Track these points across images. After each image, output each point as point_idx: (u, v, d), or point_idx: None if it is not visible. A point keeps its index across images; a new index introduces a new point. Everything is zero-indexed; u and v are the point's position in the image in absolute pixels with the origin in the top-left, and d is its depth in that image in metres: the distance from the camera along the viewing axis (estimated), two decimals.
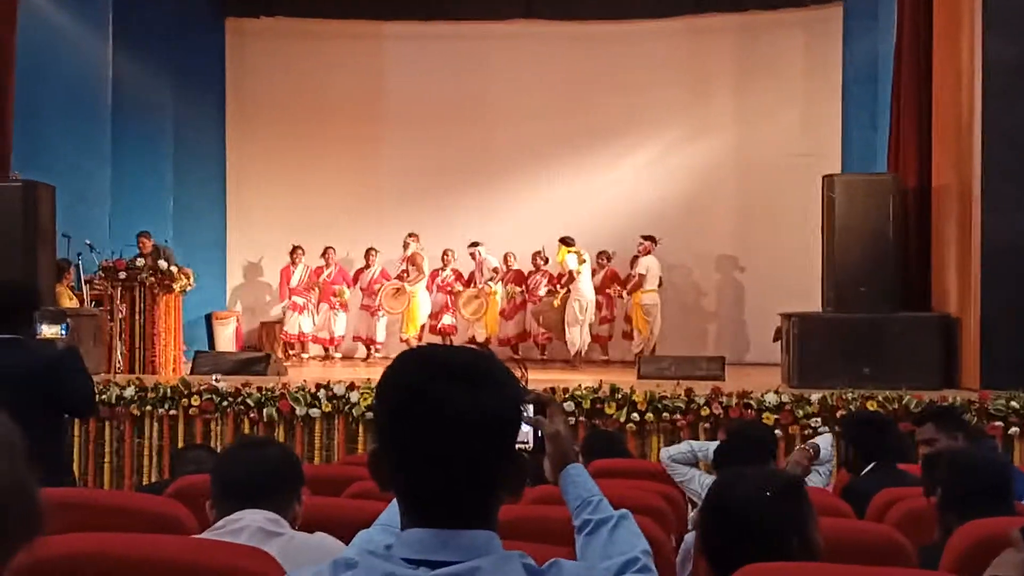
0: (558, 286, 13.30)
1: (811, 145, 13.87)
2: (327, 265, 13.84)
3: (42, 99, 12.16)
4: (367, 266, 13.88)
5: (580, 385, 8.76)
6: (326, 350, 13.88)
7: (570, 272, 12.99)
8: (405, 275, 13.50)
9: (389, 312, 13.24)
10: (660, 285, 13.28)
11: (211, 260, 14.56)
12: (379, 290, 13.47)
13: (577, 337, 12.95)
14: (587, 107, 14.53)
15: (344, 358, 13.84)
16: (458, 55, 14.69)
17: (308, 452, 8.57)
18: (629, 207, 14.31)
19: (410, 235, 13.63)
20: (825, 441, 5.22)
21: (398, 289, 13.26)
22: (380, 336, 13.68)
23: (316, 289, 13.70)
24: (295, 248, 13.78)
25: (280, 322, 13.95)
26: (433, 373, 1.44)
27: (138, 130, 13.94)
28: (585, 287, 13.02)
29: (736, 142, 14.40)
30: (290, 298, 13.77)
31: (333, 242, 14.05)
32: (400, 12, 14.60)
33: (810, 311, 10.23)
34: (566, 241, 13.08)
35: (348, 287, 13.80)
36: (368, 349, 13.72)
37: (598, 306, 13.58)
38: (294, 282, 13.77)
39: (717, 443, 5.08)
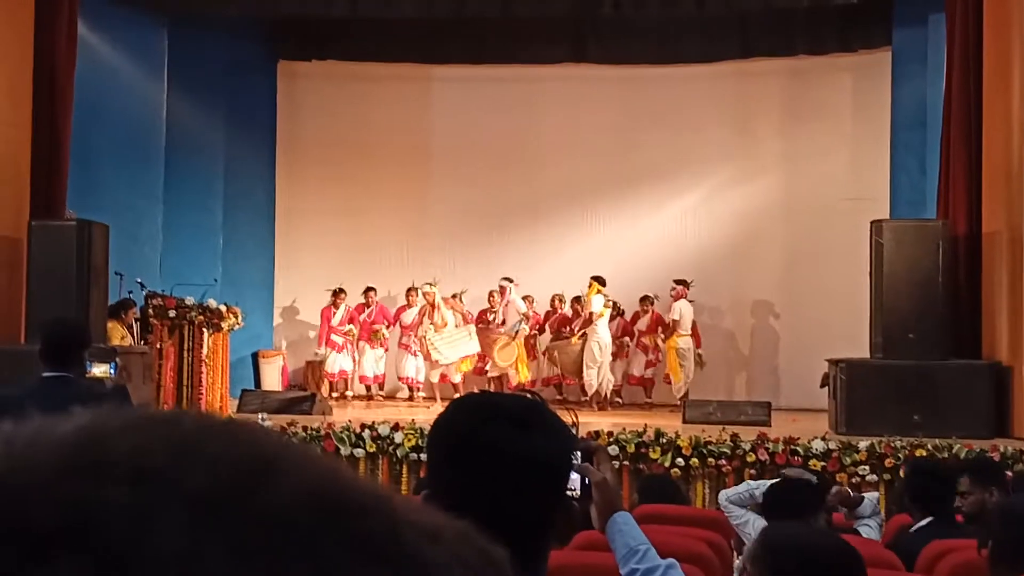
0: (574, 327, 13.25)
1: (859, 189, 13.79)
2: (368, 304, 13.91)
3: (97, 140, 12.46)
4: (408, 305, 13.94)
5: (625, 429, 8.74)
6: (368, 388, 13.93)
7: (590, 314, 12.96)
8: (440, 326, 13.42)
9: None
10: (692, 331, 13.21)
11: (258, 299, 14.71)
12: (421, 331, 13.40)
13: (595, 378, 12.91)
14: (634, 150, 14.58)
15: (387, 397, 13.89)
16: (506, 98, 14.82)
17: None
18: (674, 251, 14.29)
19: (430, 285, 13.56)
20: (872, 497, 5.19)
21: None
22: (421, 376, 13.66)
23: (355, 329, 13.74)
24: (338, 291, 13.86)
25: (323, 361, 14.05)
26: (488, 416, 1.48)
27: (190, 170, 14.20)
28: (603, 330, 13.01)
29: (783, 186, 14.36)
30: (329, 337, 13.83)
31: (379, 282, 14.16)
32: (449, 56, 14.77)
33: (858, 357, 10.15)
34: (600, 280, 13.08)
35: (389, 327, 13.82)
36: (411, 390, 13.74)
37: (643, 349, 13.55)
38: (335, 321, 13.86)
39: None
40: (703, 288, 13.83)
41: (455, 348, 13.29)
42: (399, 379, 13.87)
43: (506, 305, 13.59)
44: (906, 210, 12.78)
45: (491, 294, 13.71)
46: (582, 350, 12.98)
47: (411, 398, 13.59)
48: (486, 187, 14.69)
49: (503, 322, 13.57)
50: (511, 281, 13.59)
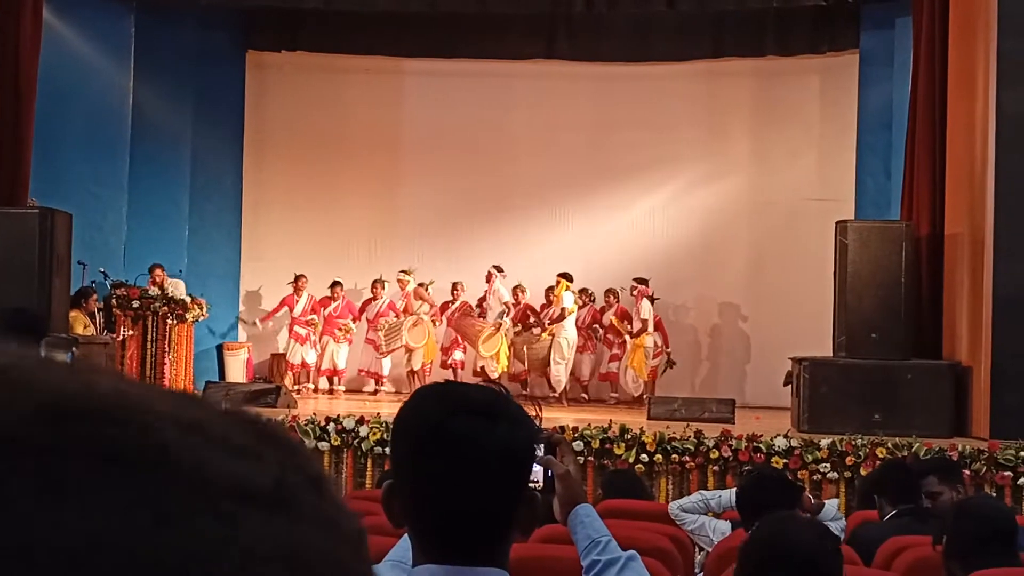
0: (543, 319, 13.29)
1: (826, 190, 13.92)
2: (333, 298, 13.87)
3: (62, 127, 12.34)
4: (374, 298, 13.93)
5: (590, 424, 8.78)
6: (330, 381, 13.89)
7: (562, 310, 13.02)
8: (406, 313, 13.45)
9: (414, 347, 13.24)
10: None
11: (224, 290, 14.64)
12: (383, 325, 13.40)
13: (563, 374, 12.99)
14: (605, 147, 14.63)
15: (349, 391, 13.86)
16: (478, 93, 14.81)
17: None
18: (642, 248, 14.36)
19: (404, 272, 13.61)
20: (833, 503, 5.31)
21: (416, 321, 13.25)
22: (386, 370, 13.66)
23: (317, 320, 13.69)
24: (299, 277, 13.81)
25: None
26: (453, 408, 1.50)
27: (156, 160, 14.10)
28: (571, 327, 13.08)
29: (752, 185, 14.46)
30: (292, 327, 13.77)
31: (347, 276, 14.13)
32: (421, 49, 14.74)
33: (821, 356, 10.25)
34: (568, 277, 13.14)
35: (355, 321, 13.80)
36: (375, 384, 13.73)
37: (608, 343, 13.62)
38: (297, 311, 13.79)
39: (730, 491, 5.09)
40: (670, 285, 13.92)
41: (389, 342, 13.27)
42: (359, 372, 13.82)
43: (491, 294, 13.61)
44: (871, 211, 12.91)
45: (454, 286, 13.71)
46: (551, 346, 13.03)
47: (376, 393, 13.56)
48: (456, 182, 14.68)
49: (484, 310, 13.61)
50: (499, 270, 13.59)
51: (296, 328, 13.73)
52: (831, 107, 14.21)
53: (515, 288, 13.66)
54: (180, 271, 13.20)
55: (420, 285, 13.69)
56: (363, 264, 14.44)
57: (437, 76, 14.89)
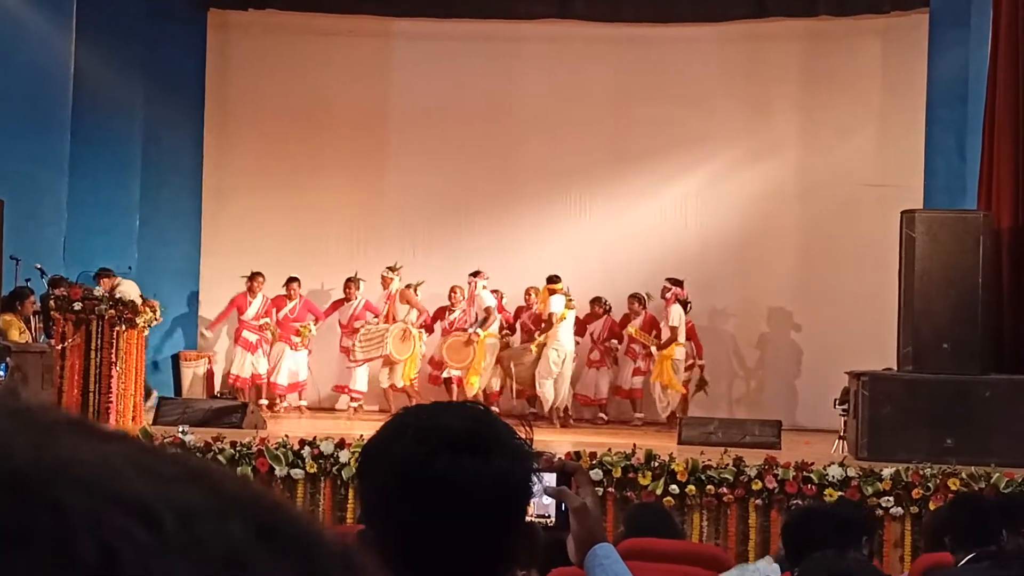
0: (536, 333, 13.25)
1: (888, 174, 13.89)
2: (290, 298, 13.81)
3: None
4: (346, 299, 13.85)
5: (610, 449, 8.76)
6: (280, 400, 13.80)
7: (550, 316, 12.97)
8: (389, 317, 13.41)
9: (397, 359, 13.21)
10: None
11: (181, 291, 14.62)
12: (361, 329, 13.36)
13: (550, 391, 12.94)
14: (627, 123, 14.60)
15: (315, 408, 13.84)
16: (478, 59, 14.80)
17: None
18: (672, 242, 14.33)
19: (391, 269, 13.57)
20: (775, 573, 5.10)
21: (405, 331, 13.20)
22: (362, 385, 13.66)
23: (272, 324, 13.63)
24: (254, 275, 13.77)
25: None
26: (433, 445, 1.49)
27: (102, 138, 14.10)
28: (565, 336, 13.02)
29: (800, 168, 14.42)
30: (240, 332, 13.71)
31: (325, 273, 14.11)
32: (412, 7, 14.74)
33: (884, 370, 10.21)
34: (552, 280, 13.10)
35: (316, 322, 13.74)
36: (351, 400, 13.72)
37: (632, 356, 13.58)
38: (250, 314, 13.75)
39: (776, 567, 4.93)
40: (704, 287, 13.89)
41: (366, 350, 13.23)
42: (337, 389, 13.80)
43: (470, 300, 13.55)
44: (942, 199, 12.87)
45: (452, 290, 13.68)
46: (538, 359, 12.97)
47: (356, 410, 13.54)
48: (453, 164, 14.67)
49: (468, 320, 13.56)
50: (479, 275, 13.55)
51: (245, 333, 13.66)
52: (895, 76, 14.17)
53: (529, 289, 13.60)
54: (130, 268, 13.20)
55: (408, 287, 13.63)
56: (343, 260, 14.42)
57: (431, 39, 14.87)
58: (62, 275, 11.91)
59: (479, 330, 13.17)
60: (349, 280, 13.76)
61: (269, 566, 0.43)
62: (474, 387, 13.07)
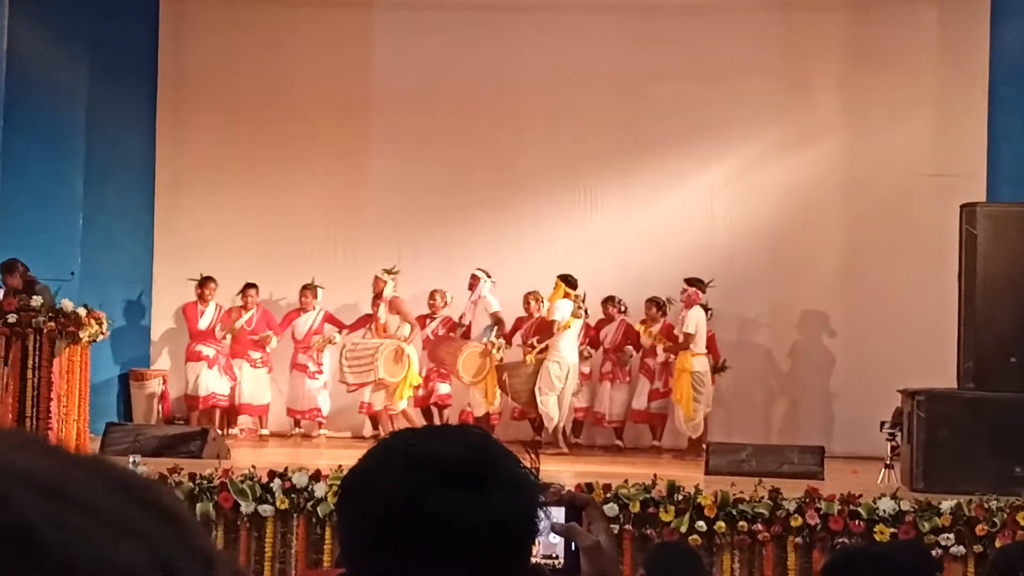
0: (535, 340, 13.23)
1: (946, 162, 13.90)
2: (246, 308, 13.83)
3: None
4: (302, 309, 13.88)
5: (627, 481, 8.75)
6: (259, 422, 13.89)
7: (553, 323, 12.94)
8: (380, 328, 13.41)
9: (390, 383, 13.19)
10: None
11: (131, 300, 14.62)
12: (347, 346, 13.37)
13: (554, 408, 12.90)
14: (643, 105, 14.62)
15: (277, 436, 13.88)
16: (471, 30, 14.81)
17: (256, 563, 8.58)
18: (698, 240, 14.33)
19: (387, 271, 13.55)
20: None
21: (398, 350, 13.14)
22: (324, 407, 13.71)
23: (227, 338, 13.63)
24: (205, 280, 13.77)
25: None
26: (424, 478, 1.48)
27: (39, 124, 14.08)
28: (567, 347, 12.99)
29: (845, 156, 14.43)
30: (193, 346, 13.71)
31: (298, 279, 14.10)
32: None
33: (943, 388, 10.20)
34: (568, 281, 13.07)
35: (276, 335, 13.77)
36: (313, 424, 13.79)
37: (649, 374, 13.58)
38: (203, 324, 13.76)
39: None
40: (733, 292, 13.90)
41: (357, 373, 13.20)
42: (291, 413, 13.84)
43: (474, 304, 13.57)
44: (1008, 191, 12.88)
45: (432, 295, 13.69)
46: (537, 371, 12.95)
47: (308, 435, 13.62)
48: (444, 152, 14.68)
49: (468, 328, 13.59)
50: (486, 274, 13.55)
51: (199, 347, 13.67)
52: (953, 51, 14.18)
53: (528, 296, 13.58)
54: (72, 274, 13.19)
55: (389, 272, 13.55)
56: (319, 264, 14.41)
57: (417, 8, 14.90)
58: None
59: (492, 338, 13.21)
60: (305, 287, 13.80)
61: (157, 534, 0.47)
62: (489, 403, 13.12)
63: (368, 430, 13.55)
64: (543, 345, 13.01)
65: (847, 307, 14.25)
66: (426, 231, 14.68)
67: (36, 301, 10.88)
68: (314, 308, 13.87)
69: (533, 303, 13.50)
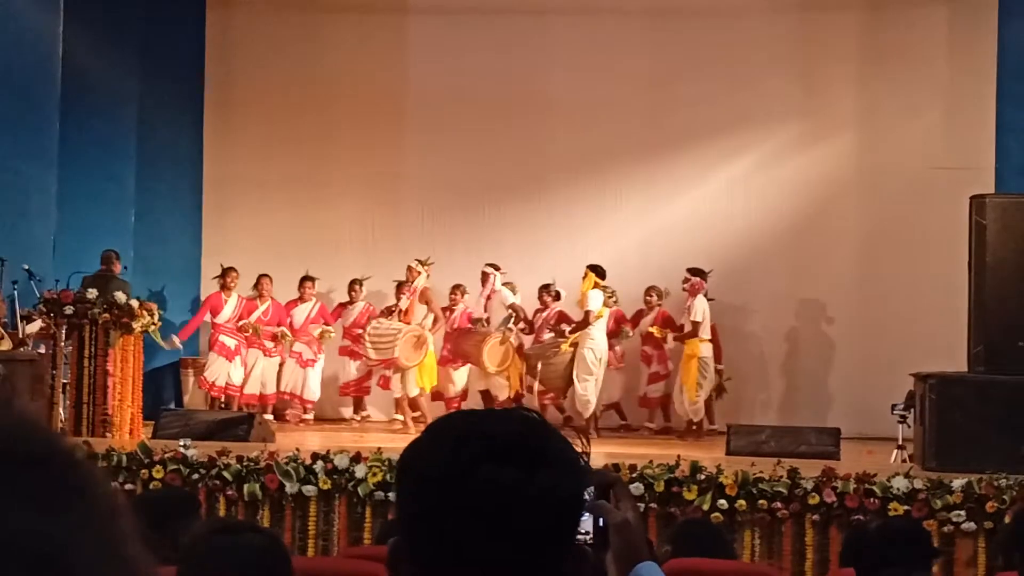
0: (567, 329, 13.19)
1: (956, 156, 13.84)
2: (261, 299, 13.81)
3: None
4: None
5: (652, 461, 8.75)
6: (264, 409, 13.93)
7: (587, 313, 12.92)
8: (401, 313, 13.39)
9: (405, 366, 13.18)
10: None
11: (181, 292, 14.69)
12: (371, 323, 13.37)
13: (592, 394, 12.88)
14: (667, 104, 14.60)
15: (332, 420, 13.94)
16: (502, 34, 14.81)
17: (300, 541, 8.61)
18: (716, 233, 14.32)
19: (421, 262, 13.53)
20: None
21: (420, 337, 13.13)
22: (314, 392, 13.79)
23: (251, 330, 13.62)
24: (227, 270, 13.75)
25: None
26: (477, 452, 1.49)
27: (94, 127, 14.17)
28: (600, 335, 13.00)
29: (859, 150, 14.40)
30: (216, 336, 13.69)
31: (337, 272, 14.13)
32: None
33: (954, 372, 10.17)
34: (598, 271, 13.05)
35: (328, 324, 13.82)
36: (303, 410, 13.81)
37: (647, 359, 13.60)
38: (225, 315, 13.73)
39: None
40: (753, 282, 13.92)
41: (379, 348, 13.18)
42: (279, 395, 13.88)
43: (488, 298, 13.57)
44: (1016, 182, 12.82)
45: (453, 289, 13.69)
46: (572, 359, 12.93)
47: (304, 422, 13.68)
48: (476, 150, 14.69)
49: (488, 320, 13.60)
50: (496, 269, 13.55)
51: (222, 338, 13.65)
52: (962, 49, 14.12)
53: (543, 288, 13.58)
54: (125, 268, 13.25)
55: (423, 264, 13.54)
56: (356, 257, 14.45)
57: (450, 14, 14.90)
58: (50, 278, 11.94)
59: (511, 326, 13.22)
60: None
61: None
62: (513, 388, 13.13)
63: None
64: (576, 335, 13.00)
65: (862, 295, 14.22)
66: (458, 224, 14.73)
67: (91, 293, 10.93)
68: (311, 299, 13.90)
69: (546, 295, 13.59)
